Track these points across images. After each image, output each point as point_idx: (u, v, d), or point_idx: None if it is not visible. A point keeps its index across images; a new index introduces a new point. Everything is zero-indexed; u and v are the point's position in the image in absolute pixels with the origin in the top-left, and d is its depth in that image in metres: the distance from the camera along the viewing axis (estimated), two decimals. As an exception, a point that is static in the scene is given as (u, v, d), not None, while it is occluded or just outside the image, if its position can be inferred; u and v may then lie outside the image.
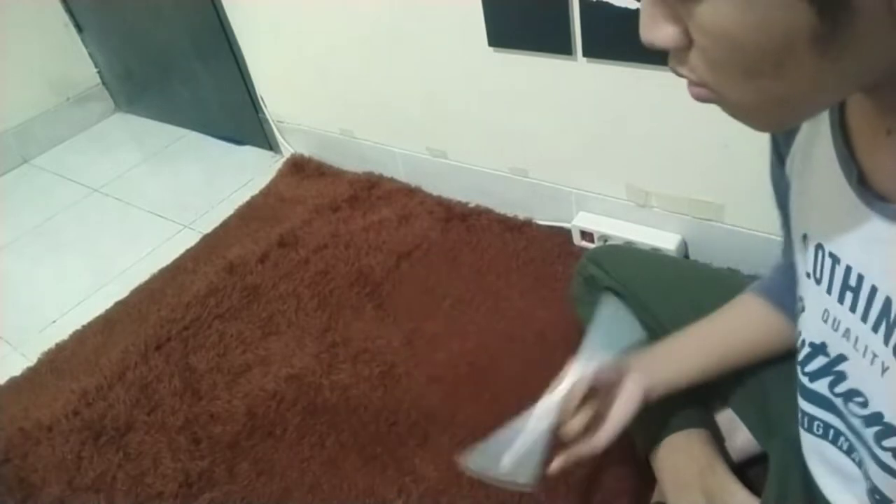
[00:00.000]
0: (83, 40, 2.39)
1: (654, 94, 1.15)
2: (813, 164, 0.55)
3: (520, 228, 1.49)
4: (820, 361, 0.58)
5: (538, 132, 1.37)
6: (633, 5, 1.06)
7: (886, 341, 0.49)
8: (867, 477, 0.57)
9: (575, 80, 1.24)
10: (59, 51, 2.35)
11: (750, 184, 1.15)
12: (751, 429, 0.87)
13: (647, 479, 0.93)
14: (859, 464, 0.58)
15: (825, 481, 0.66)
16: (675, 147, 1.20)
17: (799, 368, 0.63)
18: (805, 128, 0.56)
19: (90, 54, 2.43)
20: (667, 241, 1.29)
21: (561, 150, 1.37)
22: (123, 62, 2.36)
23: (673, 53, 0.43)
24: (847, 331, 0.53)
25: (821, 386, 0.59)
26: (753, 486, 0.83)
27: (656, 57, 1.18)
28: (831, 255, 0.54)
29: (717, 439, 0.90)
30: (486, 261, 1.42)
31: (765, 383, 0.82)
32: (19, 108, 2.30)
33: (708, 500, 0.83)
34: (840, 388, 0.57)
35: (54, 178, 2.22)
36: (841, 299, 0.53)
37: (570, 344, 1.16)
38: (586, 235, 1.39)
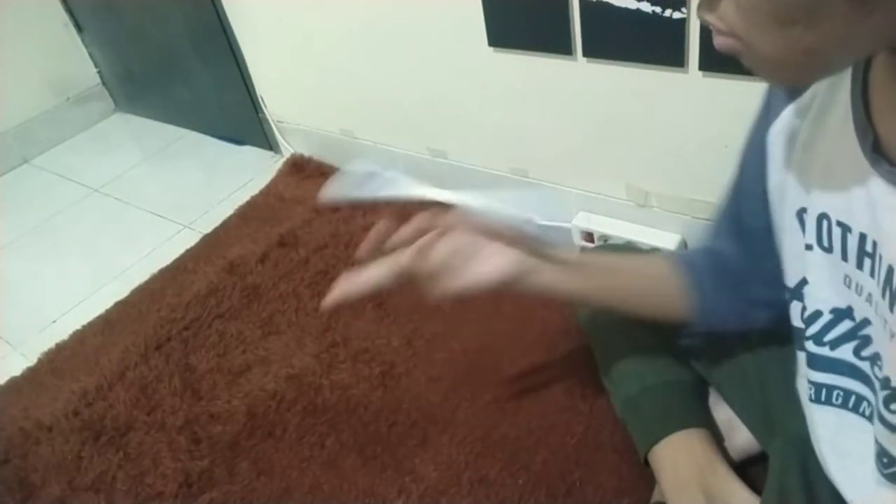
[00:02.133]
0: (83, 40, 2.39)
1: (654, 94, 1.15)
2: (825, 132, 0.55)
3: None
4: (845, 326, 0.58)
5: (538, 132, 1.37)
6: (633, 5, 1.06)
7: (891, 307, 0.49)
8: (876, 441, 0.57)
9: (575, 80, 1.24)
10: (59, 51, 2.35)
11: (750, 184, 1.15)
12: (751, 428, 0.87)
13: (646, 479, 0.93)
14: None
15: (833, 461, 0.65)
16: (675, 147, 1.20)
17: (811, 343, 0.62)
18: (820, 96, 0.56)
19: (90, 54, 2.42)
20: (667, 241, 1.29)
21: (561, 150, 1.37)
22: (123, 62, 2.36)
23: (705, 1, 0.43)
24: (870, 295, 0.54)
25: (844, 352, 0.59)
26: (754, 486, 0.83)
27: (656, 57, 1.18)
28: (840, 223, 0.54)
29: (717, 439, 0.90)
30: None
31: (765, 383, 0.82)
32: (19, 108, 2.30)
33: (708, 499, 0.83)
34: (867, 352, 0.57)
35: (54, 178, 2.22)
36: (860, 265, 0.53)
37: (570, 344, 1.17)
38: (586, 235, 1.39)
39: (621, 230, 1.34)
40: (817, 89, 0.56)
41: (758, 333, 0.85)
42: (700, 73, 1.07)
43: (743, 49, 0.43)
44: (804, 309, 0.62)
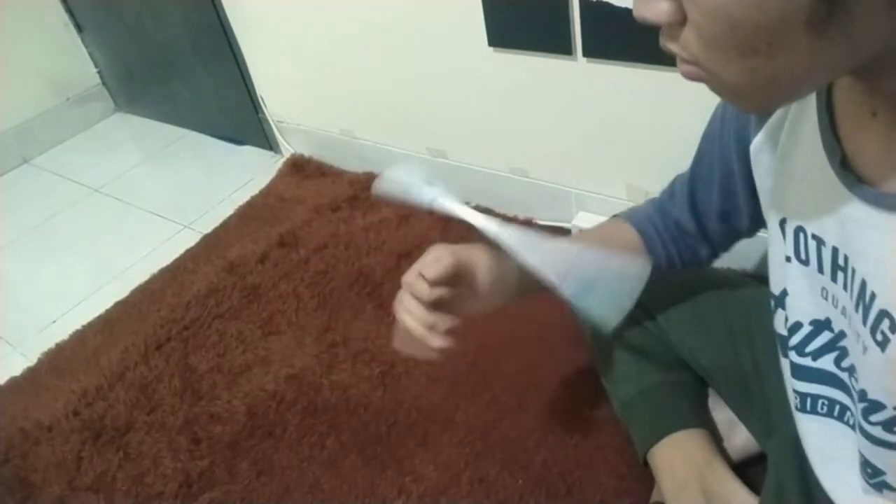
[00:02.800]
0: (83, 40, 2.39)
1: (654, 94, 1.15)
2: (799, 145, 0.55)
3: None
4: (825, 337, 0.59)
5: (538, 132, 1.38)
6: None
7: (864, 322, 0.50)
8: (859, 452, 0.57)
9: (575, 80, 1.24)
10: (59, 51, 2.35)
11: (750, 184, 1.15)
12: (750, 429, 0.87)
13: (646, 479, 0.93)
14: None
15: (823, 469, 0.66)
16: (675, 147, 1.20)
17: (793, 353, 0.63)
18: (793, 108, 0.56)
19: (90, 54, 2.43)
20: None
21: (561, 150, 1.37)
22: (123, 62, 2.36)
23: (665, 29, 0.43)
24: (844, 308, 0.54)
25: (826, 363, 0.60)
26: (753, 486, 0.83)
27: (656, 57, 1.18)
28: (815, 236, 0.55)
29: (716, 439, 0.90)
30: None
31: (764, 383, 0.82)
32: (19, 108, 2.30)
33: (707, 499, 0.83)
34: (846, 363, 0.57)
35: (54, 178, 2.22)
36: (834, 278, 0.54)
37: (570, 344, 1.17)
38: (586, 235, 1.39)
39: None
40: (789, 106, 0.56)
41: (757, 334, 0.85)
42: (700, 73, 1.07)
43: (707, 77, 0.43)
44: (787, 319, 0.62)
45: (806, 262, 0.57)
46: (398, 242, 1.51)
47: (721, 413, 0.93)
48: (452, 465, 1.05)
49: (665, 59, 1.21)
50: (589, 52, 1.18)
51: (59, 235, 1.92)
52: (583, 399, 1.09)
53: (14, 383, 1.41)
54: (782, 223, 0.59)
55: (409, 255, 1.47)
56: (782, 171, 0.58)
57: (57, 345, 1.48)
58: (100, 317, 1.53)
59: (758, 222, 0.72)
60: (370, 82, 1.60)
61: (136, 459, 1.18)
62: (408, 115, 1.60)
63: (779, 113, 0.58)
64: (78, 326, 1.51)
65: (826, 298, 0.56)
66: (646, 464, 0.91)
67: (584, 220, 1.39)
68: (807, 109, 0.53)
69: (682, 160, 1.20)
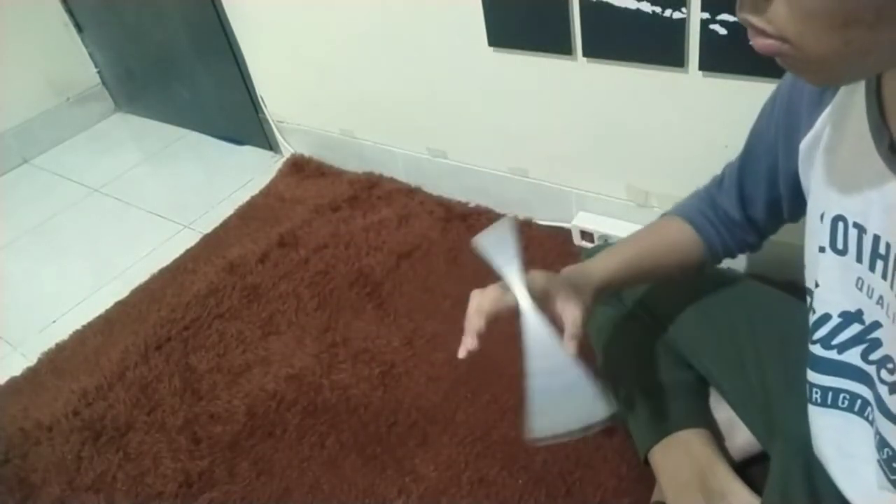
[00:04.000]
0: (83, 40, 2.39)
1: (655, 94, 1.15)
2: (844, 136, 0.55)
3: (520, 228, 1.48)
4: (853, 330, 0.58)
5: (538, 132, 1.37)
6: (633, 5, 1.06)
7: None
8: (884, 445, 0.57)
9: (575, 80, 1.24)
10: (59, 51, 2.35)
11: (750, 184, 1.15)
12: (751, 428, 0.87)
13: (647, 479, 0.93)
14: (874, 434, 0.59)
15: (838, 465, 0.65)
16: (675, 147, 1.20)
17: (818, 346, 0.62)
18: (838, 100, 0.56)
19: (90, 54, 2.43)
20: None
21: (561, 150, 1.37)
22: (123, 62, 2.36)
23: (750, 2, 0.43)
24: (881, 298, 0.54)
25: (852, 356, 0.59)
26: (754, 486, 0.83)
27: (656, 57, 1.18)
28: (856, 224, 0.54)
29: (717, 438, 0.90)
30: (486, 261, 1.42)
31: (766, 383, 0.82)
32: (19, 108, 2.30)
33: (708, 499, 0.83)
34: (875, 356, 0.57)
35: (54, 178, 2.22)
36: (872, 267, 0.54)
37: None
38: (586, 235, 1.39)
39: (621, 230, 1.34)
40: (838, 94, 0.56)
41: (759, 333, 0.85)
42: (700, 73, 1.07)
43: (788, 51, 0.42)
44: (812, 313, 0.62)
45: (843, 252, 0.57)
46: (398, 242, 1.51)
47: (722, 412, 0.93)
48: (452, 465, 1.05)
49: (665, 59, 1.21)
50: (589, 52, 1.18)
51: (59, 235, 1.92)
52: (583, 399, 1.09)
53: (14, 383, 1.41)
54: (822, 216, 0.59)
55: (409, 255, 1.47)
56: (826, 164, 0.58)
57: (57, 345, 1.48)
58: (100, 317, 1.53)
59: (801, 211, 0.72)
60: (370, 82, 1.60)
61: (136, 459, 1.18)
62: (408, 115, 1.60)
63: (828, 109, 0.58)
64: (78, 326, 1.51)
65: (861, 289, 0.56)
66: (646, 463, 0.91)
67: (584, 220, 1.39)
68: (853, 100, 0.54)
69: (682, 160, 1.21)
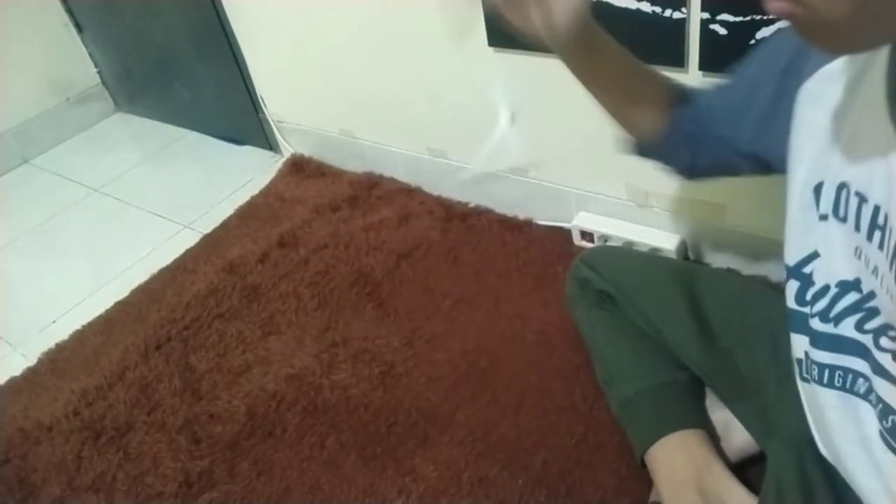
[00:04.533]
0: (83, 40, 2.39)
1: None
2: (856, 100, 0.55)
3: (520, 228, 1.49)
4: (851, 298, 0.58)
5: (538, 132, 1.37)
6: (633, 5, 1.06)
7: None
8: (888, 413, 0.56)
9: (575, 80, 1.23)
10: (59, 51, 2.35)
11: (750, 184, 1.15)
12: (748, 428, 0.87)
13: (645, 480, 0.93)
14: (875, 404, 0.58)
15: (843, 447, 0.65)
16: (675, 147, 1.20)
17: (816, 320, 0.62)
18: (857, 64, 0.55)
19: (90, 54, 2.43)
20: (667, 241, 1.29)
21: (561, 150, 1.37)
22: (123, 62, 2.36)
23: None
24: (876, 268, 0.54)
25: (847, 327, 0.59)
26: (751, 486, 0.83)
27: (656, 57, 1.18)
28: (858, 193, 0.54)
29: (714, 439, 0.90)
30: (486, 261, 1.42)
31: (761, 383, 0.82)
32: (19, 108, 2.30)
33: (705, 500, 0.83)
34: (871, 325, 0.57)
35: (54, 178, 2.22)
36: (870, 237, 0.53)
37: (570, 344, 1.17)
38: (586, 235, 1.39)
39: (621, 230, 1.34)
40: (856, 57, 0.55)
41: (752, 333, 0.85)
42: (700, 73, 1.07)
43: (801, 14, 0.42)
44: (810, 285, 0.62)
45: (844, 220, 0.56)
46: (398, 242, 1.51)
47: (718, 413, 0.93)
48: (452, 465, 1.05)
49: (665, 59, 1.21)
50: (589, 52, 1.17)
51: (59, 235, 1.92)
52: (582, 399, 1.09)
53: (14, 383, 1.41)
54: (819, 187, 0.59)
55: (409, 255, 1.47)
56: (830, 129, 0.57)
57: (57, 345, 1.48)
58: (100, 317, 1.53)
59: (749, 168, 0.71)
60: (370, 82, 1.60)
61: (136, 459, 1.18)
62: (408, 115, 1.60)
63: (837, 65, 0.57)
64: (78, 326, 1.51)
65: (859, 258, 0.56)
66: (643, 464, 0.91)
67: (584, 220, 1.39)
68: (871, 65, 0.53)
69: (682, 160, 1.20)
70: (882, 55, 0.51)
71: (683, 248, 1.30)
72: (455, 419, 1.12)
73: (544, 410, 1.10)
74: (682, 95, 0.79)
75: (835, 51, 0.51)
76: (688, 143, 0.76)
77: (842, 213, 0.56)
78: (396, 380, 1.21)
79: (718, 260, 1.25)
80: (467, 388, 1.17)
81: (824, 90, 0.58)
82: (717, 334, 0.88)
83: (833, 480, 0.67)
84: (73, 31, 2.36)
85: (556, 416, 1.09)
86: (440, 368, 1.21)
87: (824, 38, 0.44)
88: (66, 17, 2.33)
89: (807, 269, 0.62)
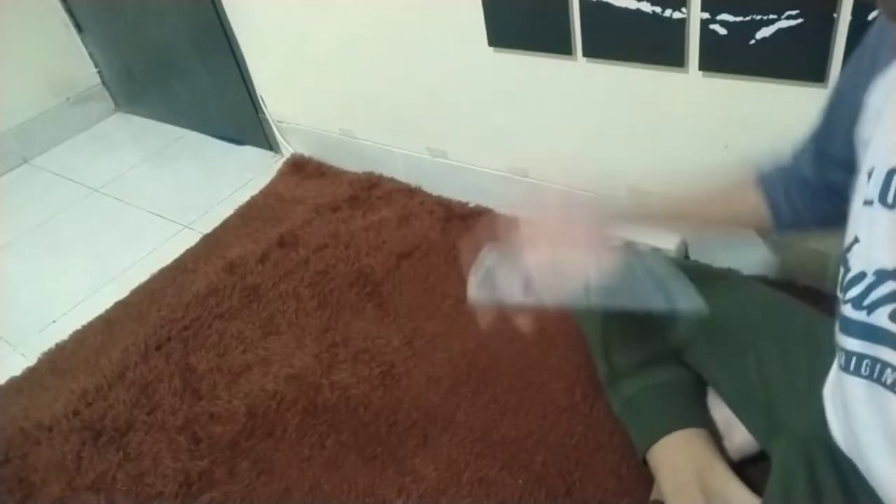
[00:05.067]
0: (83, 40, 2.39)
1: (655, 94, 1.15)
2: None
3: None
4: (888, 287, 0.57)
5: (538, 132, 1.37)
6: (633, 5, 1.06)
7: None
8: None
9: (575, 80, 1.24)
10: (59, 51, 2.35)
11: (750, 184, 1.15)
12: (750, 428, 0.87)
13: (646, 479, 0.93)
14: None
15: (865, 438, 0.64)
16: (675, 147, 1.20)
17: (848, 307, 0.61)
18: None
19: (90, 54, 2.43)
20: (667, 242, 1.29)
21: (561, 150, 1.37)
22: (123, 62, 2.36)
23: None
24: None
25: (880, 317, 0.58)
26: (752, 486, 0.83)
27: (656, 57, 1.18)
28: None
29: (716, 438, 0.90)
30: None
31: (768, 382, 0.82)
32: (19, 108, 2.30)
33: (707, 499, 0.83)
34: None
35: (54, 178, 2.22)
36: None
37: (570, 344, 1.17)
38: (586, 235, 1.39)
39: (621, 230, 1.34)
40: None
41: (758, 333, 0.85)
42: (700, 73, 1.07)
43: None
44: (847, 272, 0.61)
45: (892, 206, 0.55)
46: (398, 242, 1.51)
47: (720, 412, 0.93)
48: (452, 465, 1.05)
49: (665, 59, 1.21)
50: (589, 52, 1.18)
51: (59, 235, 1.92)
52: (582, 399, 1.09)
53: (14, 383, 1.41)
54: (870, 172, 0.58)
55: (409, 255, 1.47)
56: (885, 111, 0.57)
57: (57, 345, 1.48)
58: (100, 317, 1.53)
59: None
60: (370, 82, 1.60)
61: (136, 459, 1.18)
62: (408, 115, 1.60)
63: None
64: (78, 326, 1.51)
65: None
66: (645, 463, 0.91)
67: (584, 220, 1.39)
68: None
69: (682, 160, 1.21)
70: None
71: (683, 248, 1.30)
72: (455, 419, 1.12)
73: (544, 410, 1.10)
74: (772, 175, 0.80)
75: None
76: (802, 202, 0.78)
77: (890, 199, 0.55)
78: (396, 380, 1.21)
79: (718, 260, 1.25)
80: (467, 388, 1.17)
81: (894, 82, 0.57)
82: (721, 332, 0.88)
83: (845, 480, 0.67)
84: (73, 31, 2.36)
85: (556, 416, 1.09)
86: (440, 368, 1.21)
87: None
88: (66, 17, 2.33)
89: (849, 255, 0.61)
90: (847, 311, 0.61)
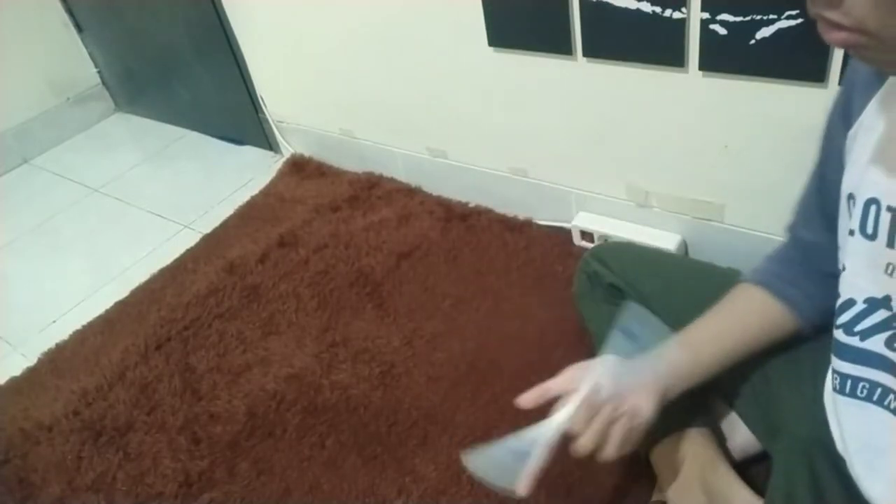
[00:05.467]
0: (83, 40, 2.39)
1: (655, 94, 1.15)
2: (890, 116, 0.55)
3: (520, 228, 1.49)
4: (880, 316, 0.57)
5: (538, 132, 1.37)
6: (633, 5, 1.06)
7: None
8: None
9: (575, 80, 1.24)
10: (59, 51, 2.35)
11: (750, 184, 1.15)
12: (753, 428, 0.87)
13: (646, 479, 0.93)
14: None
15: (859, 457, 0.65)
16: (674, 147, 1.20)
17: (840, 332, 0.61)
18: (890, 82, 0.55)
19: (90, 54, 2.43)
20: (667, 241, 1.29)
21: (561, 150, 1.37)
22: (123, 62, 2.36)
23: None
24: None
25: (875, 343, 0.59)
26: (754, 486, 0.83)
27: (656, 57, 1.18)
28: (890, 208, 0.54)
29: (718, 438, 0.90)
30: (486, 261, 1.42)
31: (771, 383, 0.82)
32: (19, 108, 2.30)
33: (709, 499, 0.83)
34: None
35: (54, 178, 2.22)
36: None
37: (570, 344, 1.17)
38: (586, 235, 1.39)
39: (621, 230, 1.34)
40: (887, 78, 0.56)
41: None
42: (700, 73, 1.07)
43: (866, 42, 0.42)
44: (837, 297, 0.62)
45: (873, 237, 0.56)
46: (398, 242, 1.51)
47: (722, 412, 0.93)
48: (452, 465, 1.05)
49: (665, 59, 1.21)
50: (589, 52, 1.18)
51: (59, 235, 1.92)
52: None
53: (14, 383, 1.41)
54: (850, 198, 0.58)
55: (409, 255, 1.47)
56: (865, 144, 0.57)
57: (57, 345, 1.48)
58: (100, 317, 1.53)
59: None
60: (370, 82, 1.60)
61: (136, 459, 1.18)
62: (408, 115, 1.60)
63: (877, 97, 0.57)
64: (78, 326, 1.51)
65: (891, 275, 0.55)
66: (648, 462, 0.91)
67: (584, 220, 1.39)
68: None
69: (682, 160, 1.21)
70: None
71: (683, 248, 1.30)
72: (455, 419, 1.12)
73: (544, 410, 1.10)
74: (770, 271, 0.78)
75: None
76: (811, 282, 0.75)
77: (869, 230, 0.56)
78: (396, 380, 1.21)
79: (718, 260, 1.25)
80: (467, 388, 1.17)
81: (869, 122, 0.58)
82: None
83: (847, 482, 0.67)
84: (73, 31, 2.36)
85: (557, 416, 1.08)
86: (440, 368, 1.21)
87: (889, 62, 0.44)
88: (66, 17, 2.33)
89: (839, 282, 0.62)
90: (839, 335, 0.62)
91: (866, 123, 0.58)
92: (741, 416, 0.89)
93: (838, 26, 0.42)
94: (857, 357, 0.61)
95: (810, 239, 0.73)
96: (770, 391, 0.82)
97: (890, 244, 0.55)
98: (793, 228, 0.77)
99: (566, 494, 0.98)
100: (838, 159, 0.64)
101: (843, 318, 0.61)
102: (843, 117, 0.63)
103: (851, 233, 0.58)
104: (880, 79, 0.57)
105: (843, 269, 0.61)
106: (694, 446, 0.87)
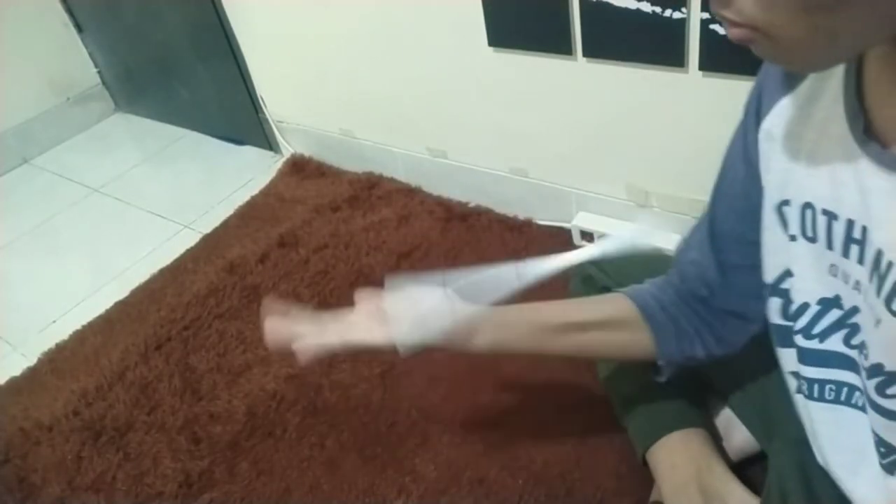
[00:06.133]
0: (83, 40, 2.39)
1: (655, 94, 1.15)
2: (811, 120, 0.55)
3: (520, 228, 1.48)
4: (833, 315, 0.58)
5: (538, 132, 1.38)
6: (633, 5, 1.06)
7: (878, 293, 0.50)
8: (873, 431, 0.57)
9: (575, 80, 1.24)
10: (59, 51, 2.35)
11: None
12: (749, 428, 0.87)
13: (646, 479, 0.93)
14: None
15: (835, 459, 0.65)
16: (675, 147, 1.20)
17: (800, 337, 0.62)
18: (805, 85, 0.56)
19: (90, 54, 2.43)
20: (667, 241, 1.29)
21: (561, 151, 1.37)
22: (123, 62, 2.36)
23: None
24: (857, 283, 0.54)
25: (834, 343, 0.59)
26: (751, 486, 0.83)
27: (656, 57, 1.18)
28: (826, 211, 0.54)
29: (715, 439, 0.90)
30: (486, 261, 1.41)
31: (765, 384, 0.82)
32: (19, 108, 2.30)
33: (706, 499, 0.83)
34: (856, 340, 0.57)
35: (54, 178, 2.22)
36: (846, 253, 0.54)
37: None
38: (586, 235, 1.39)
39: (621, 230, 1.34)
40: (806, 81, 0.56)
41: (760, 335, 0.85)
42: (700, 73, 1.07)
43: (759, 38, 0.43)
44: (790, 303, 0.62)
45: (814, 240, 0.56)
46: (398, 242, 1.51)
47: (719, 412, 0.93)
48: (452, 465, 1.05)
49: (665, 59, 1.21)
50: (589, 52, 1.18)
51: (59, 235, 1.92)
52: (583, 399, 1.09)
53: (14, 383, 1.41)
54: (782, 205, 0.59)
55: (409, 255, 1.47)
56: (787, 150, 0.58)
57: (57, 345, 1.48)
58: (100, 317, 1.53)
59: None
60: (370, 82, 1.60)
61: (136, 459, 1.18)
62: (408, 115, 1.60)
63: (788, 98, 0.58)
64: (78, 326, 1.51)
65: (835, 275, 0.56)
66: (645, 463, 0.91)
67: (584, 220, 1.39)
68: (823, 85, 0.54)
69: (682, 160, 1.21)
70: (834, 78, 0.52)
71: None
72: (455, 419, 1.12)
73: (544, 410, 1.10)
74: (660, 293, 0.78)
75: (798, 69, 0.52)
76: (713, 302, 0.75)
77: (809, 232, 0.57)
78: (396, 380, 1.21)
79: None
80: (467, 388, 1.17)
81: (779, 122, 0.59)
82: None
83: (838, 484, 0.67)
84: (73, 31, 2.36)
85: (556, 416, 1.09)
86: (440, 368, 1.21)
87: (786, 59, 0.45)
88: (66, 17, 2.33)
89: (784, 286, 0.62)
90: (800, 341, 0.63)
91: (786, 127, 0.58)
92: (739, 415, 0.89)
93: (736, 23, 0.44)
94: (819, 359, 0.61)
95: (692, 258, 0.74)
96: (764, 391, 0.82)
97: (829, 246, 0.55)
98: (674, 262, 0.78)
99: (566, 494, 0.98)
100: (738, 172, 0.66)
101: (801, 323, 0.61)
102: (755, 114, 0.63)
103: (793, 238, 0.59)
104: (789, 78, 0.58)
105: (791, 275, 0.61)
106: (690, 447, 0.87)
